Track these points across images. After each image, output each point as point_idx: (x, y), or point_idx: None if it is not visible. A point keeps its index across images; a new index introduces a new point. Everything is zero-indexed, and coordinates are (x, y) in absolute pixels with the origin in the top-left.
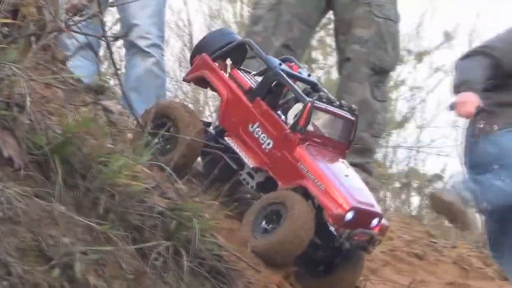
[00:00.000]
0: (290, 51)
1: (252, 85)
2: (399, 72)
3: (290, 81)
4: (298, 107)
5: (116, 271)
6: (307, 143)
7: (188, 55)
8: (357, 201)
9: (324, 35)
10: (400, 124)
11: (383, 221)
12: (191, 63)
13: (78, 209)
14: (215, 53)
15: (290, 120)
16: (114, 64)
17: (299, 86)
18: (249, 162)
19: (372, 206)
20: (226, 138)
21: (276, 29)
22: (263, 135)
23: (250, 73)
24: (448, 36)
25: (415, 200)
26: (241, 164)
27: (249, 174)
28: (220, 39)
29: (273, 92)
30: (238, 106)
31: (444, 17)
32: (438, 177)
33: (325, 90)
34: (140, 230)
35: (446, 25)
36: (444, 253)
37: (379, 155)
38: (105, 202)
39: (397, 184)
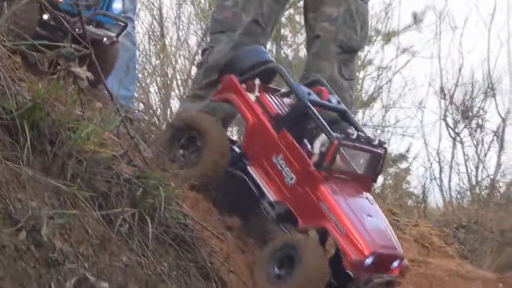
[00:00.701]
0: (260, 26)
1: (279, 111)
2: (367, 52)
3: (320, 116)
4: (324, 137)
5: (82, 236)
6: (331, 180)
7: (157, 28)
8: (378, 246)
9: (294, 12)
10: (366, 104)
11: (404, 261)
12: (220, 80)
13: (46, 174)
14: (244, 73)
15: (316, 150)
16: (84, 32)
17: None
18: (271, 195)
19: (394, 248)
20: (248, 168)
21: (246, 5)
22: (286, 168)
23: (278, 91)
24: (416, 18)
25: (379, 179)
26: (262, 192)
27: (270, 203)
28: (250, 58)
29: (300, 123)
30: (263, 134)
31: None
32: (403, 157)
33: (354, 119)
34: (107, 197)
35: (415, 6)
36: (406, 231)
37: None
38: (73, 168)
39: None
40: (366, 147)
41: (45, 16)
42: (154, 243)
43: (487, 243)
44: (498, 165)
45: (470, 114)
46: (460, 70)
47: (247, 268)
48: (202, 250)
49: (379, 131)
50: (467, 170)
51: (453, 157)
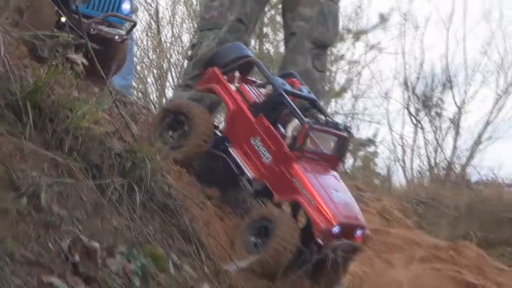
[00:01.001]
0: (243, 24)
1: (256, 100)
2: (339, 48)
3: (292, 104)
4: (296, 122)
5: (77, 202)
6: (303, 159)
7: (154, 26)
8: (343, 216)
9: (275, 13)
10: (338, 94)
11: (367, 232)
12: (204, 73)
13: (46, 148)
14: (226, 66)
15: (289, 133)
16: (81, 24)
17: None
18: (249, 173)
19: (357, 219)
20: (230, 149)
21: (231, 5)
22: (263, 148)
23: (255, 82)
24: (383, 18)
25: (349, 161)
26: (241, 170)
27: (248, 181)
28: (231, 53)
29: (275, 109)
30: (242, 119)
31: (381, 1)
32: (370, 141)
33: (322, 106)
34: (99, 168)
35: (382, 8)
36: (370, 204)
37: None
38: (69, 143)
39: None
40: (333, 130)
41: (63, 19)
42: (141, 209)
43: (443, 217)
44: (454, 148)
45: (430, 103)
46: (421, 64)
47: (224, 233)
48: (184, 217)
49: (349, 118)
50: (427, 153)
51: (414, 141)
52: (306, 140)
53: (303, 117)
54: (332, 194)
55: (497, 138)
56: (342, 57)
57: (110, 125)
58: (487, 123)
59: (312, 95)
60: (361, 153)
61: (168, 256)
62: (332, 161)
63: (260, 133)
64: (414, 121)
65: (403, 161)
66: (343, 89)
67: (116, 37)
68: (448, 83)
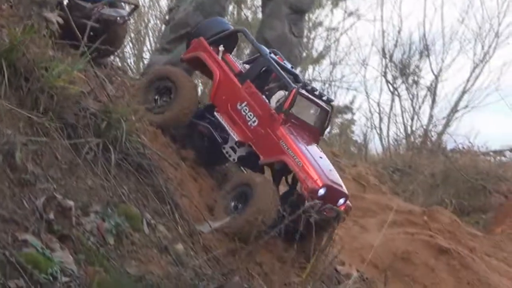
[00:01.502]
0: None
1: (242, 70)
2: (317, 15)
3: (279, 68)
4: (280, 94)
5: (52, 161)
6: (288, 124)
7: None
8: (329, 180)
9: None
10: (316, 60)
11: (348, 203)
12: (188, 45)
13: (21, 107)
14: (211, 38)
15: (273, 105)
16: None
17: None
18: (235, 136)
19: (341, 186)
20: (215, 114)
21: None
22: (249, 113)
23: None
24: None
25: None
26: (224, 139)
27: (232, 148)
28: (216, 27)
29: (261, 77)
30: (229, 86)
31: None
32: (347, 108)
33: (304, 80)
34: (75, 128)
35: None
36: (345, 171)
37: None
38: (45, 102)
39: None
40: (317, 100)
41: (65, 1)
42: (116, 169)
43: (419, 184)
44: (430, 116)
45: (407, 71)
46: (399, 32)
47: (198, 193)
48: (158, 177)
49: (327, 84)
50: (403, 121)
51: (391, 109)
52: (293, 103)
53: (290, 81)
54: (318, 159)
55: (474, 106)
56: (320, 23)
57: (85, 84)
58: (464, 92)
59: (296, 71)
60: (338, 120)
61: (142, 215)
62: (314, 133)
63: (247, 98)
64: (391, 88)
65: (380, 128)
66: (321, 56)
67: (118, 18)
68: (425, 51)
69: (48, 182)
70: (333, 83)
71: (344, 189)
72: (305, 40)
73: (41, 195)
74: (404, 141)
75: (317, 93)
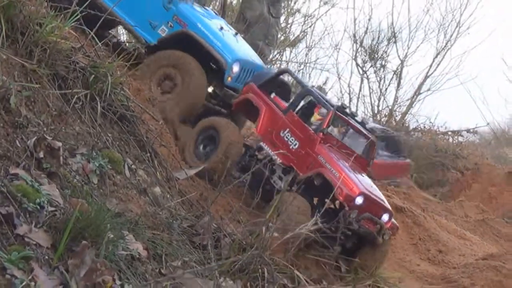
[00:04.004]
0: None
1: (286, 105)
2: (295, 1)
3: (318, 96)
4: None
5: (43, 108)
6: (328, 144)
7: None
8: (366, 189)
9: None
10: (293, 44)
11: (394, 222)
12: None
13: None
14: (261, 86)
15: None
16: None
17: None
18: (278, 160)
19: (383, 201)
20: (261, 143)
21: None
22: (291, 138)
23: None
24: None
25: None
26: (272, 171)
27: (279, 177)
28: (265, 75)
29: (305, 108)
30: (273, 117)
31: None
32: (320, 88)
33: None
34: (65, 79)
35: None
36: None
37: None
38: (38, 54)
39: None
40: (364, 131)
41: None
42: (102, 118)
43: None
44: (396, 98)
45: (376, 56)
46: (369, 20)
47: (175, 144)
48: (140, 127)
49: (302, 66)
50: (371, 101)
51: (360, 90)
52: (330, 123)
53: (329, 104)
54: (357, 174)
55: (435, 90)
56: (298, 10)
57: (75, 41)
58: (427, 76)
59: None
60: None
61: (124, 160)
62: (362, 163)
63: (289, 125)
64: (361, 71)
65: (349, 107)
66: (298, 40)
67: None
68: (392, 38)
69: (39, 126)
70: (308, 64)
71: (387, 205)
72: (283, 25)
73: (32, 136)
74: (371, 119)
75: (359, 119)
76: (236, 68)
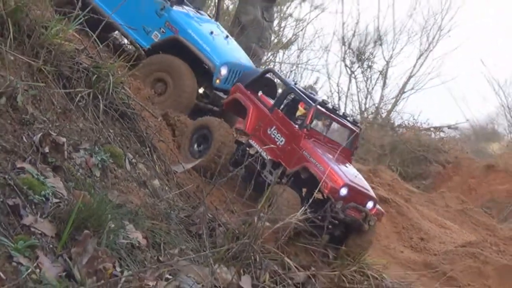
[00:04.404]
0: None
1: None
2: (288, 6)
3: (300, 92)
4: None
5: (49, 106)
6: (313, 139)
7: None
8: (351, 181)
9: None
10: (286, 46)
11: (379, 208)
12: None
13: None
14: (248, 85)
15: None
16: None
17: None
18: (266, 156)
19: (368, 190)
20: (250, 140)
21: None
22: (278, 134)
23: None
24: None
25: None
26: (263, 166)
27: (269, 171)
28: (252, 75)
29: (289, 105)
30: (260, 116)
31: None
32: (311, 87)
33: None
34: (69, 79)
35: None
36: None
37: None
38: (44, 56)
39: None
40: (347, 123)
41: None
42: (104, 116)
43: (370, 153)
44: (381, 96)
45: (363, 57)
46: (357, 24)
47: (173, 140)
48: (140, 124)
49: (294, 67)
50: (358, 99)
51: (348, 89)
52: (313, 119)
53: (311, 102)
54: (340, 166)
55: (418, 89)
56: (290, 15)
57: (79, 43)
58: (410, 76)
59: (319, 98)
60: None
61: (125, 155)
62: (346, 153)
63: (275, 123)
64: (349, 71)
65: (338, 105)
66: (290, 42)
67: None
68: (378, 41)
69: (45, 123)
70: (300, 65)
71: (372, 193)
72: (276, 28)
73: (38, 132)
74: (358, 116)
75: (340, 112)
76: (224, 71)
